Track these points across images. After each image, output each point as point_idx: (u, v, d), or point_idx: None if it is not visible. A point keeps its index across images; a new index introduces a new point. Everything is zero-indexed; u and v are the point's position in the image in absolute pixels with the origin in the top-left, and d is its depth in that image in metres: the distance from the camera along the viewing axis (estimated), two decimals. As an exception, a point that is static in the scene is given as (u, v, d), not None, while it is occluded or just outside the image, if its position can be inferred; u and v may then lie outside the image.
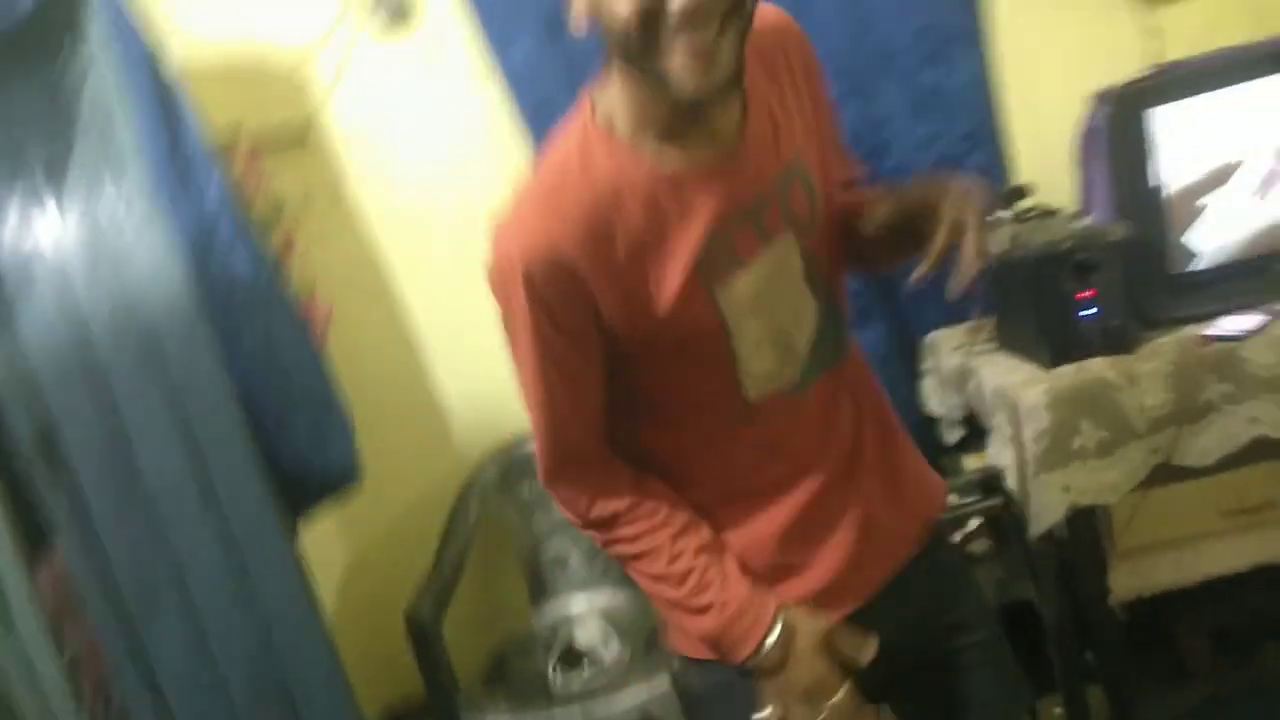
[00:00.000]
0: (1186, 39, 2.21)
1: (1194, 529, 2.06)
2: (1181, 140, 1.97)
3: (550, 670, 2.22)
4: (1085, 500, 1.91)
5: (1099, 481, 1.90)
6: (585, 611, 2.40)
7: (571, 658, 2.24)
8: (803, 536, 1.14)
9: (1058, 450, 1.89)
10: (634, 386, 1.11)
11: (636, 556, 1.11)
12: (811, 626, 1.08)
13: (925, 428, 2.23)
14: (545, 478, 1.15)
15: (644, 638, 2.25)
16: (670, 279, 1.02)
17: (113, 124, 1.76)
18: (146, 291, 1.81)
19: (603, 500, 1.12)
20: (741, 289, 1.05)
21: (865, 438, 1.18)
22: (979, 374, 2.05)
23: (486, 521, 2.49)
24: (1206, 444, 1.91)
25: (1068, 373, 1.94)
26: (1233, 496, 2.06)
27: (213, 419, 1.82)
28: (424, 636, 2.15)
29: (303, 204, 2.32)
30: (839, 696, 1.05)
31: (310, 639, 1.99)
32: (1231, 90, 1.96)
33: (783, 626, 1.06)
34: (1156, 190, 1.99)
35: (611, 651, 2.23)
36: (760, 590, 1.09)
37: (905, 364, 2.30)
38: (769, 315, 1.07)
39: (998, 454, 1.94)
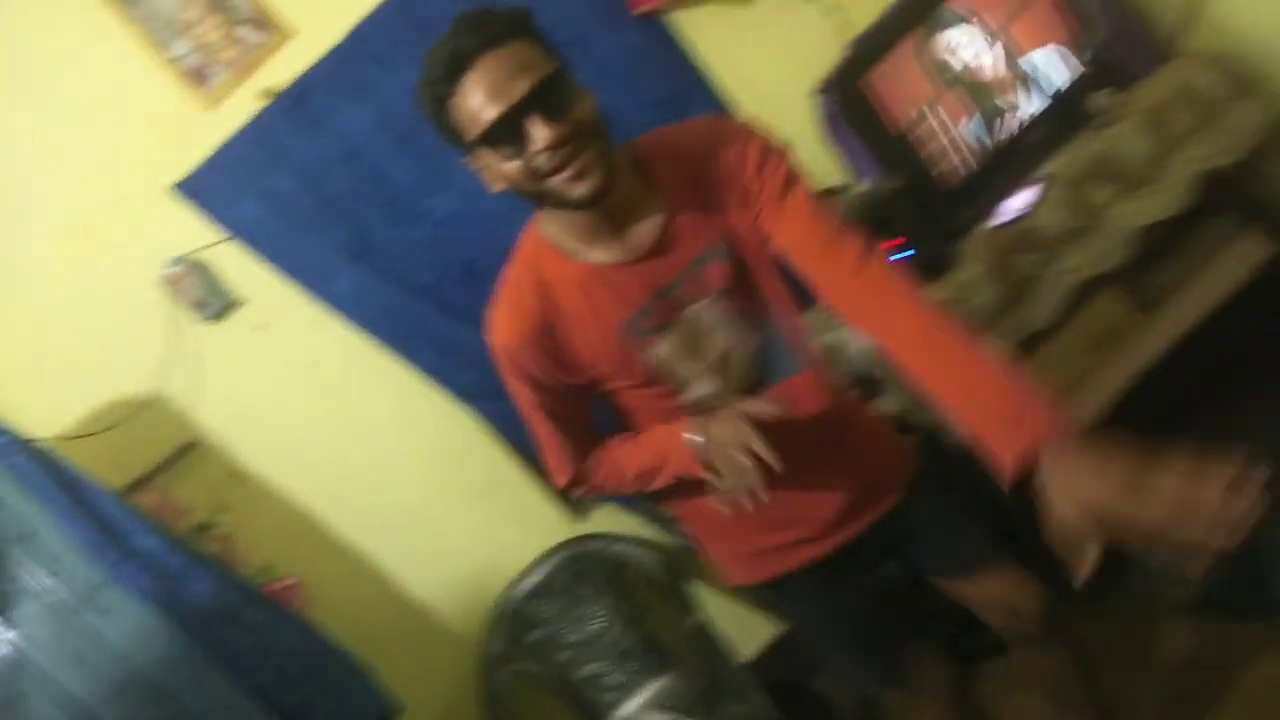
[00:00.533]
0: (862, 7, 2.53)
1: (1078, 371, 2.33)
2: (900, 84, 2.28)
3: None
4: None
5: (981, 378, 2.17)
6: (640, 709, 2.54)
7: (653, 756, 2.37)
8: (786, 505, 1.46)
9: (937, 373, 2.15)
10: (623, 411, 1.50)
11: (611, 477, 1.50)
12: (721, 411, 1.37)
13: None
14: (555, 478, 1.54)
15: (703, 707, 2.40)
16: (607, 347, 1.38)
17: (35, 531, 1.87)
18: (131, 652, 1.90)
19: (582, 467, 1.52)
20: (666, 349, 1.40)
21: (841, 424, 1.52)
22: (846, 342, 2.30)
23: (516, 684, 2.61)
24: (1040, 307, 2.20)
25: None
26: (1087, 332, 2.34)
27: (246, 731, 1.92)
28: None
29: (220, 505, 2.44)
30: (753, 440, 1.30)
31: None
32: (915, 33, 2.28)
33: (697, 422, 1.38)
34: (901, 135, 2.29)
35: (683, 732, 2.37)
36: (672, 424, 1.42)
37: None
38: (702, 356, 1.41)
39: (893, 401, 2.18)
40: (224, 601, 2.00)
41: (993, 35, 2.29)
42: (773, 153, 1.36)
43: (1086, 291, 2.29)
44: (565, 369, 1.41)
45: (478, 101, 1.19)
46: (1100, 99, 2.26)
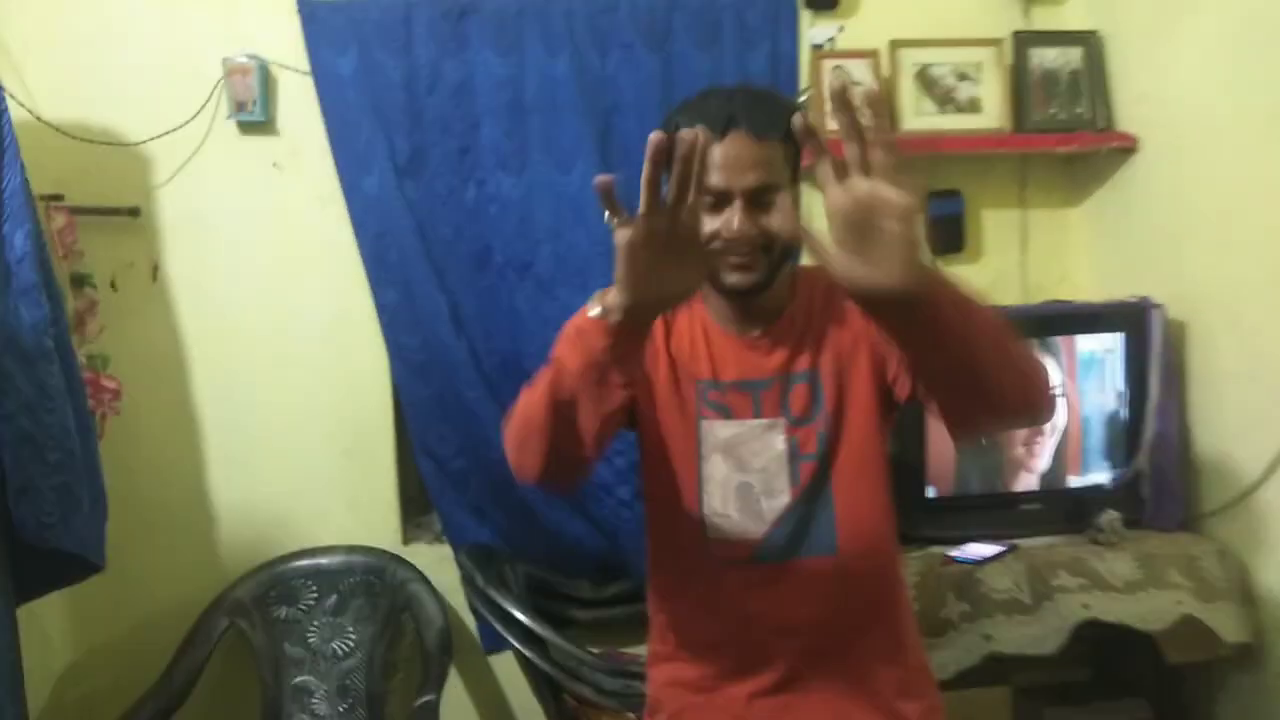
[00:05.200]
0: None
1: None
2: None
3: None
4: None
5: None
6: (318, 751, 2.26)
7: (292, 799, 2.09)
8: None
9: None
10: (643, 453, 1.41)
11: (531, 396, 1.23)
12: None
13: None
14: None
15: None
16: (683, 387, 1.37)
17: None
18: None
19: None
20: (720, 432, 1.35)
21: (843, 640, 1.35)
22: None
23: (232, 640, 2.35)
24: (944, 659, 2.04)
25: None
26: (962, 716, 2.17)
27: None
28: (131, 752, 1.98)
29: (118, 278, 2.29)
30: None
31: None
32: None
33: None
34: (924, 421, 2.20)
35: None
36: None
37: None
38: (737, 466, 1.34)
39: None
40: (38, 343, 1.81)
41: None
42: None
43: (986, 671, 2.14)
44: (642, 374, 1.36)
45: (710, 164, 1.25)
46: (1107, 518, 2.17)
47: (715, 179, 1.27)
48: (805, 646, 1.34)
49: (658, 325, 1.35)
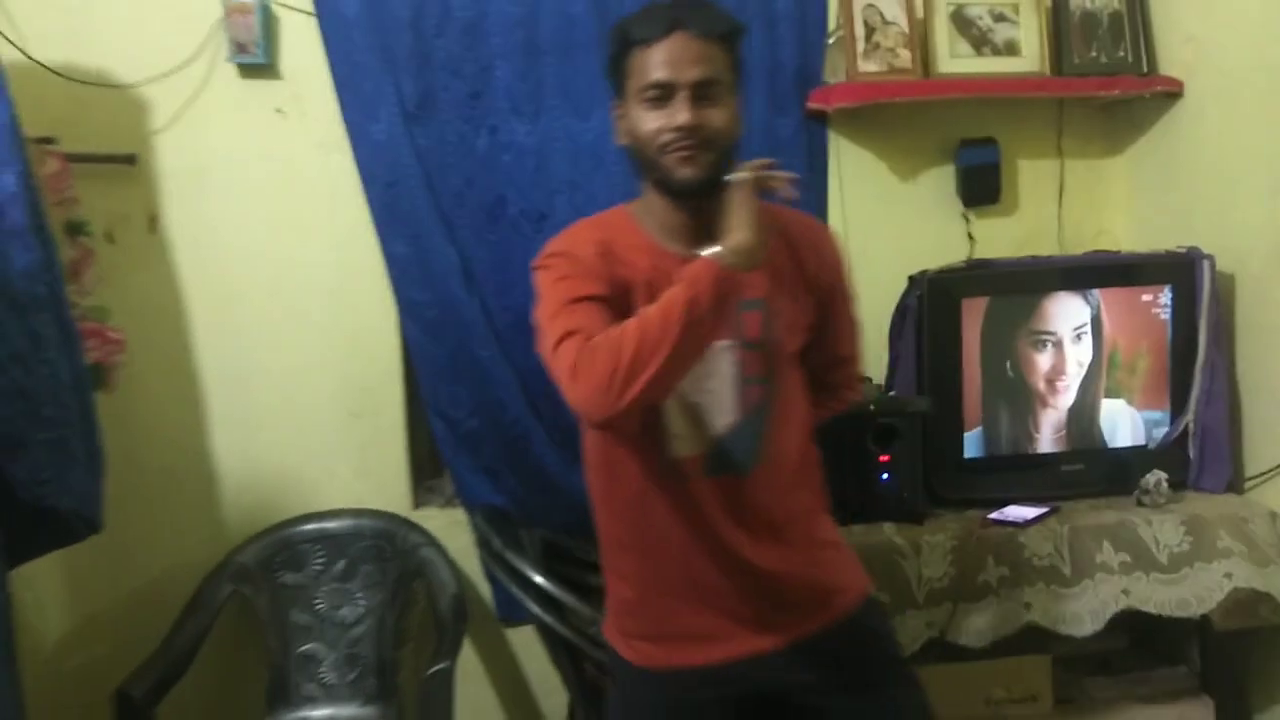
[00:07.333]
0: (996, 249, 2.44)
1: (961, 713, 2.06)
2: (985, 333, 2.12)
3: (273, 781, 1.97)
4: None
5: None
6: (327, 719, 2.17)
7: (301, 770, 2.00)
8: (700, 601, 1.46)
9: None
10: None
11: (643, 342, 1.25)
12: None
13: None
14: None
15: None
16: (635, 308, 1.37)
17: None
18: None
19: None
20: None
21: (784, 530, 1.47)
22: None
23: (236, 607, 2.27)
24: (981, 625, 1.95)
25: (859, 532, 1.99)
26: (1001, 685, 2.09)
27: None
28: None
29: (114, 229, 2.20)
30: None
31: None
32: (1034, 296, 2.14)
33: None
34: (958, 374, 2.11)
35: (347, 768, 2.01)
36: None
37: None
38: (691, 386, 1.38)
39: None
40: (29, 290, 1.70)
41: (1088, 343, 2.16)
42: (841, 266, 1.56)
43: (1025, 640, 2.05)
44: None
45: (656, 62, 1.35)
46: (1154, 478, 2.08)
47: (660, 73, 1.34)
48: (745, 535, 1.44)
49: (601, 256, 1.39)
